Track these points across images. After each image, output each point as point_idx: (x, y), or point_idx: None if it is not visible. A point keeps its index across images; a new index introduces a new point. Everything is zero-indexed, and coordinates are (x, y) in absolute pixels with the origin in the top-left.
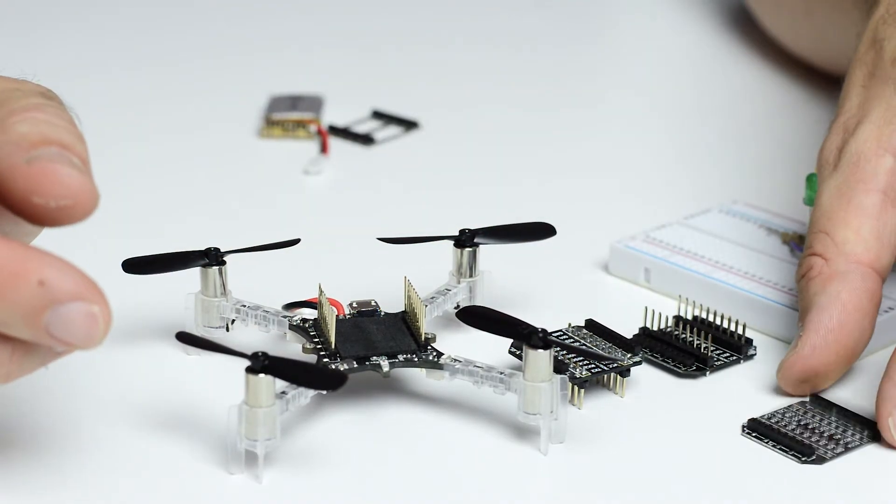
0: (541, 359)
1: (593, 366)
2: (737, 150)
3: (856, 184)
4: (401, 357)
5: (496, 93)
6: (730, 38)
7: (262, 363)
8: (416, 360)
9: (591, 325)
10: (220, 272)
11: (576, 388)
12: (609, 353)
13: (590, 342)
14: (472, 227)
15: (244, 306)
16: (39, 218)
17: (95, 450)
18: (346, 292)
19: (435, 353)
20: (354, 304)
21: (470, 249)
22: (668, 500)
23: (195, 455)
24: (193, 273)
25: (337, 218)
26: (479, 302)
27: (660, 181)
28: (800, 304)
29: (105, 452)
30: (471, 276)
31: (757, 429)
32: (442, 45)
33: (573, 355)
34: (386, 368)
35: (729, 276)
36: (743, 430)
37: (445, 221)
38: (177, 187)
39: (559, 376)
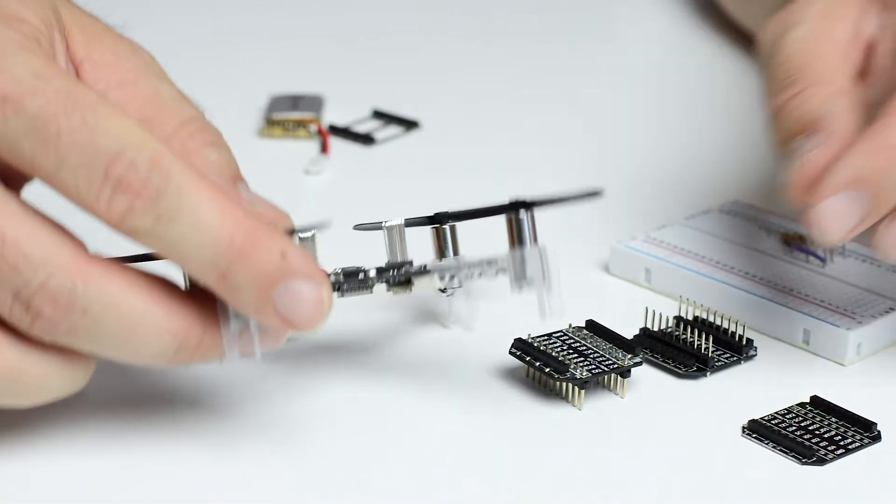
0: (523, 225)
1: (594, 366)
2: (737, 150)
3: (823, 33)
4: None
5: (497, 92)
6: (730, 38)
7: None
8: (404, 271)
9: (592, 326)
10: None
11: (576, 388)
12: (609, 353)
13: (590, 343)
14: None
15: None
16: None
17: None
18: None
19: (421, 265)
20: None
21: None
22: (668, 500)
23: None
24: None
25: (337, 218)
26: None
27: (660, 181)
28: (788, 125)
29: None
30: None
31: (757, 430)
32: (442, 45)
33: (574, 355)
34: (373, 275)
35: (729, 276)
36: (743, 432)
37: None
38: None
39: (541, 245)
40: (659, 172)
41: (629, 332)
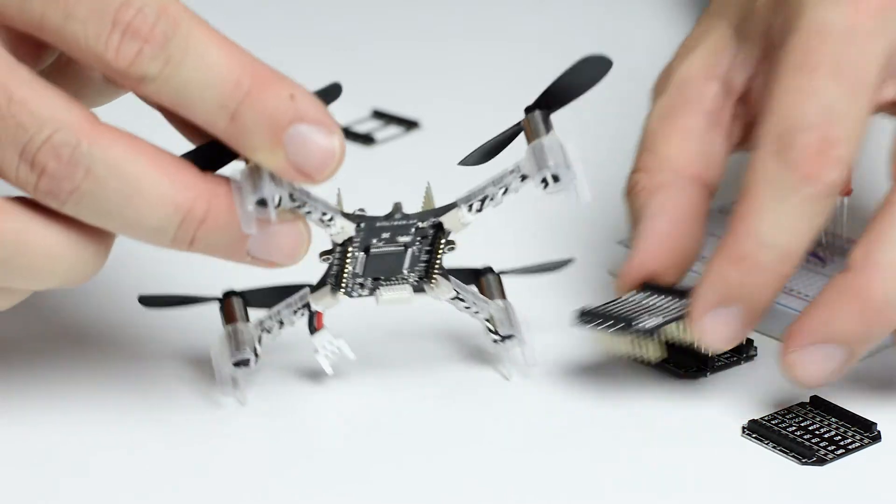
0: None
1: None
2: (737, 150)
3: (681, 106)
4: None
5: (497, 92)
6: None
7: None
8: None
9: (649, 286)
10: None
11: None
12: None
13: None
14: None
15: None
16: None
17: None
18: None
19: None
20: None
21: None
22: (668, 500)
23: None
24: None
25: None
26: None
27: None
28: (629, 220)
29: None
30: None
31: (757, 430)
32: (442, 45)
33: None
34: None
35: None
36: (743, 432)
37: None
38: None
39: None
40: None
41: None
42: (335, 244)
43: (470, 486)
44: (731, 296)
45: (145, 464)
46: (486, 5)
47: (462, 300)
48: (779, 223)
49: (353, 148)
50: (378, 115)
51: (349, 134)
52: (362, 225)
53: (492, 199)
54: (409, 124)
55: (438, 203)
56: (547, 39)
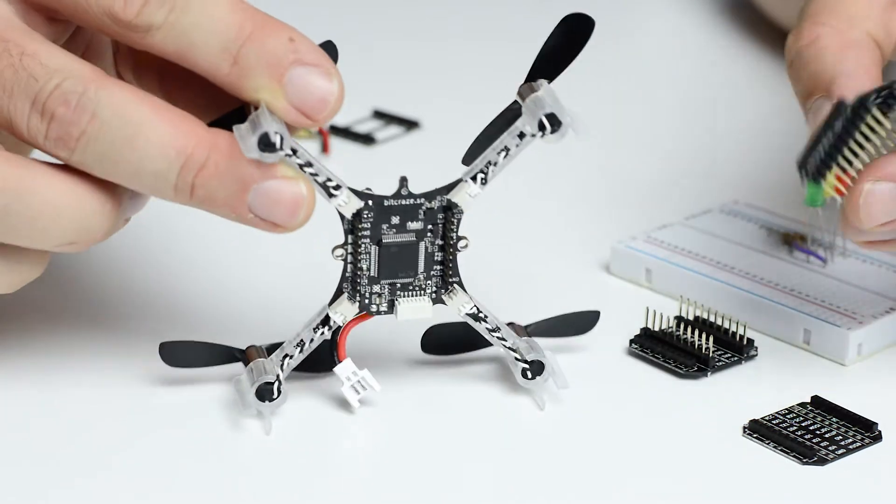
0: None
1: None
2: (737, 150)
3: None
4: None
5: (497, 92)
6: (730, 38)
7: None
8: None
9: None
10: None
11: None
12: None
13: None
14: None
15: None
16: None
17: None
18: None
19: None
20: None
21: None
22: (668, 500)
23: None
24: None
25: (338, 218)
26: None
27: (661, 181)
28: (805, 72)
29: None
30: None
31: (758, 430)
32: (443, 44)
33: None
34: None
35: (730, 276)
36: (744, 432)
37: None
38: None
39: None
40: (659, 172)
41: (630, 332)
42: (345, 223)
43: (470, 487)
44: None
45: (165, 492)
46: (486, 5)
47: (484, 318)
48: None
49: (354, 148)
50: (378, 115)
51: (349, 134)
52: (370, 202)
53: (494, 164)
54: (410, 124)
55: None
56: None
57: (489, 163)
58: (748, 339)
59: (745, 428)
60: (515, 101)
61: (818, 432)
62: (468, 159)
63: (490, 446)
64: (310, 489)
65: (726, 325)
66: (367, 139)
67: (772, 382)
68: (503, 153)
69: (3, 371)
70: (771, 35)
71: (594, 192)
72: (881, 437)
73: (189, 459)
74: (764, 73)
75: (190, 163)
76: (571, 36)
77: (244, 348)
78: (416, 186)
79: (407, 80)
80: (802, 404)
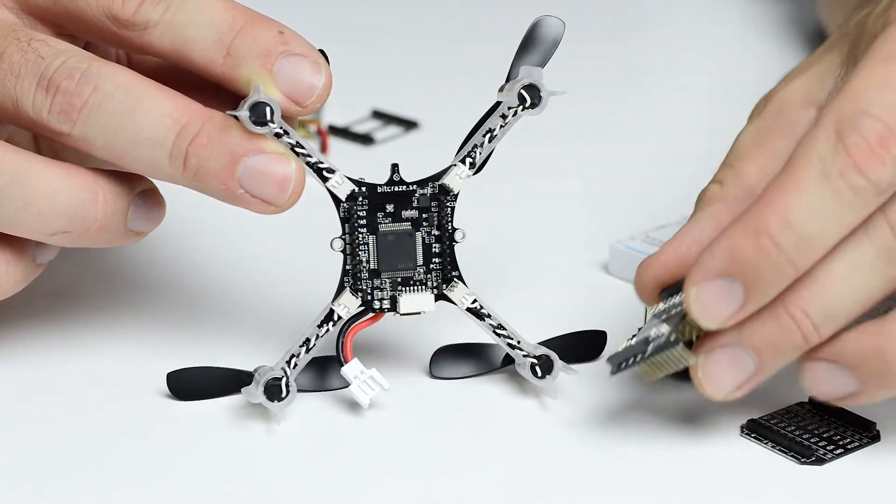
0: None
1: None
2: None
3: (774, 128)
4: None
5: (496, 92)
6: (729, 38)
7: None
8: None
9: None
10: None
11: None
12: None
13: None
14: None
15: None
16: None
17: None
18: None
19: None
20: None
21: None
22: (668, 500)
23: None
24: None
25: (337, 217)
26: None
27: (660, 181)
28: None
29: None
30: None
31: (756, 430)
32: (443, 44)
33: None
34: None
35: None
36: (742, 431)
37: None
38: (175, 187)
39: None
40: (658, 172)
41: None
42: (340, 210)
43: (476, 488)
44: (736, 270)
45: (168, 490)
46: (486, 5)
47: (487, 315)
48: (811, 206)
49: (353, 148)
50: (378, 115)
51: (349, 134)
52: (363, 188)
53: (480, 147)
54: (409, 124)
55: None
56: None
57: (475, 146)
58: None
59: (743, 428)
60: (498, 103)
61: (816, 432)
62: (459, 151)
63: (498, 446)
64: (317, 490)
65: None
66: (366, 139)
67: (770, 382)
68: (488, 135)
69: (3, 370)
70: (776, 36)
71: (593, 192)
72: (879, 437)
73: (193, 462)
74: (765, 73)
75: (185, 131)
76: (544, 38)
77: (252, 370)
78: None
79: (406, 81)
80: (801, 404)
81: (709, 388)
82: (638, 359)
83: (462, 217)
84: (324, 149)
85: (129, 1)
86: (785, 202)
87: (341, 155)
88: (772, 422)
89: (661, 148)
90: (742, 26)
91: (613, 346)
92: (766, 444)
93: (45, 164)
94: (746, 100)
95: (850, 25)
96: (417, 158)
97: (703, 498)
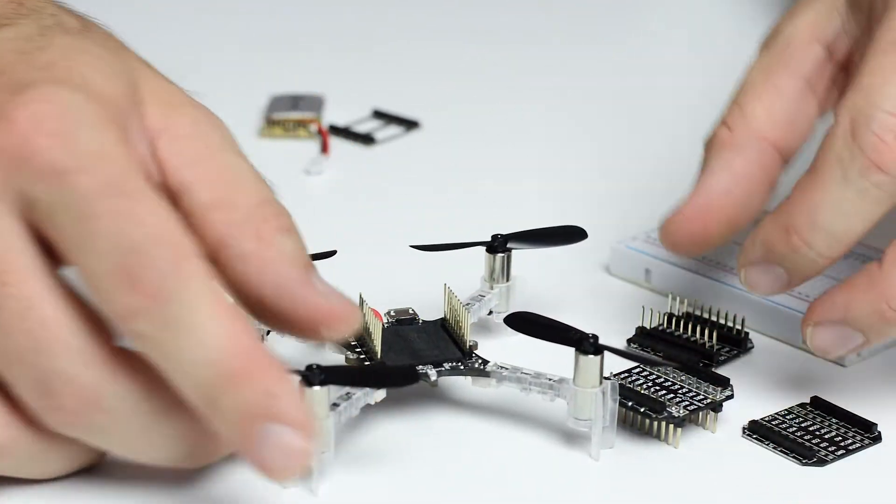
0: (591, 364)
1: (688, 403)
2: None
3: (780, 65)
4: (447, 365)
5: (497, 92)
6: (729, 38)
7: (318, 376)
8: (462, 367)
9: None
10: None
11: (672, 426)
12: (698, 388)
13: (673, 377)
14: (503, 232)
15: None
16: (307, 337)
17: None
18: (359, 296)
19: (481, 361)
20: (392, 313)
21: (502, 254)
22: (668, 500)
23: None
24: None
25: (338, 218)
26: (513, 307)
27: (660, 181)
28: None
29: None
30: (504, 280)
31: (758, 431)
32: (442, 44)
33: (665, 392)
34: (434, 378)
35: (729, 276)
36: (744, 432)
37: (446, 221)
38: None
39: (609, 381)
40: (659, 172)
41: (630, 333)
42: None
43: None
44: (774, 259)
45: None
46: (486, 5)
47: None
48: (837, 207)
49: (353, 148)
50: (378, 115)
51: (349, 134)
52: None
53: (518, 384)
54: (409, 124)
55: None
56: (547, 39)
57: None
58: (744, 333)
59: (744, 428)
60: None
61: (818, 433)
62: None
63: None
64: None
65: (720, 321)
66: (366, 139)
67: (771, 383)
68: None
69: None
70: None
71: (594, 192)
72: (881, 438)
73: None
74: None
75: (197, 450)
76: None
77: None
78: (414, 186)
79: (407, 81)
80: (802, 405)
81: (819, 352)
82: None
83: (462, 216)
84: (325, 149)
85: (123, 303)
86: (812, 203)
87: (342, 155)
88: (773, 423)
89: (662, 148)
90: (742, 26)
91: (615, 345)
92: (767, 445)
93: (37, 436)
94: None
95: None
96: (418, 158)
97: (705, 499)
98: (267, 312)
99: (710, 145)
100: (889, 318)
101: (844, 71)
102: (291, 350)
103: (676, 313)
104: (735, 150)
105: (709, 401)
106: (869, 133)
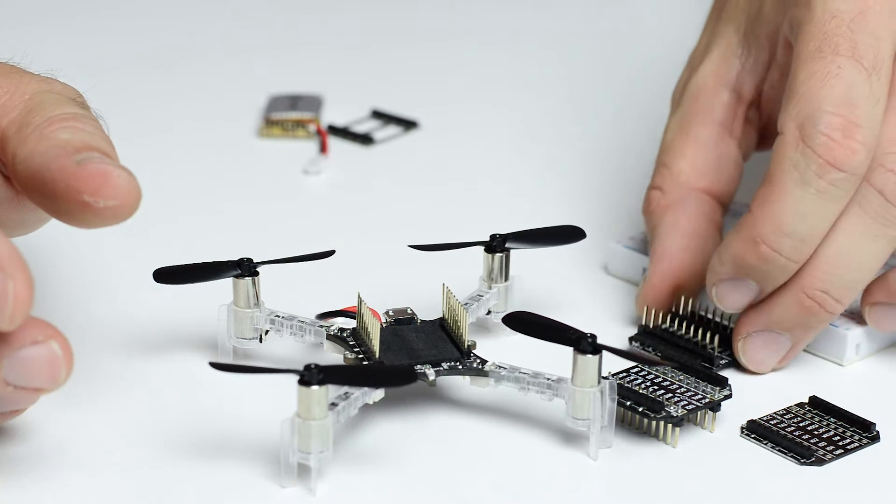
0: (589, 364)
1: (687, 402)
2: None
3: (694, 117)
4: (445, 365)
5: (496, 92)
6: None
7: (317, 376)
8: (460, 367)
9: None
10: (254, 283)
11: (670, 426)
12: (696, 387)
13: (671, 377)
14: (501, 232)
15: (278, 317)
16: (83, 218)
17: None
18: (357, 296)
19: (479, 360)
20: (391, 312)
21: (500, 254)
22: (666, 499)
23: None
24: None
25: (337, 218)
26: (511, 307)
27: None
28: (648, 237)
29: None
30: (503, 280)
31: (756, 430)
32: (441, 45)
33: (663, 392)
34: (432, 377)
35: None
36: (742, 432)
37: (445, 222)
38: (176, 187)
39: (607, 381)
40: None
41: (628, 332)
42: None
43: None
44: (744, 273)
45: None
46: (486, 6)
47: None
48: (799, 211)
49: (352, 148)
50: (377, 115)
51: (348, 134)
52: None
53: (516, 384)
54: (409, 124)
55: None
56: (547, 39)
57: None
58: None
59: (743, 428)
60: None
61: (816, 432)
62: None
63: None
64: None
65: (718, 320)
66: (365, 139)
67: (770, 382)
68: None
69: None
70: None
71: (592, 192)
72: (879, 438)
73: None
74: None
75: None
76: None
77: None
78: (414, 186)
79: (405, 81)
80: (800, 404)
81: (753, 367)
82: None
83: (461, 216)
84: (323, 149)
85: None
86: (774, 212)
87: (341, 155)
88: (771, 422)
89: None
90: None
91: (615, 345)
92: (765, 444)
93: None
94: None
95: (739, 1)
96: (417, 158)
97: (703, 499)
98: (44, 201)
99: (649, 211)
100: (766, 257)
101: (755, 108)
102: (291, 350)
103: (680, 312)
104: (675, 208)
105: (707, 400)
106: (818, 134)
